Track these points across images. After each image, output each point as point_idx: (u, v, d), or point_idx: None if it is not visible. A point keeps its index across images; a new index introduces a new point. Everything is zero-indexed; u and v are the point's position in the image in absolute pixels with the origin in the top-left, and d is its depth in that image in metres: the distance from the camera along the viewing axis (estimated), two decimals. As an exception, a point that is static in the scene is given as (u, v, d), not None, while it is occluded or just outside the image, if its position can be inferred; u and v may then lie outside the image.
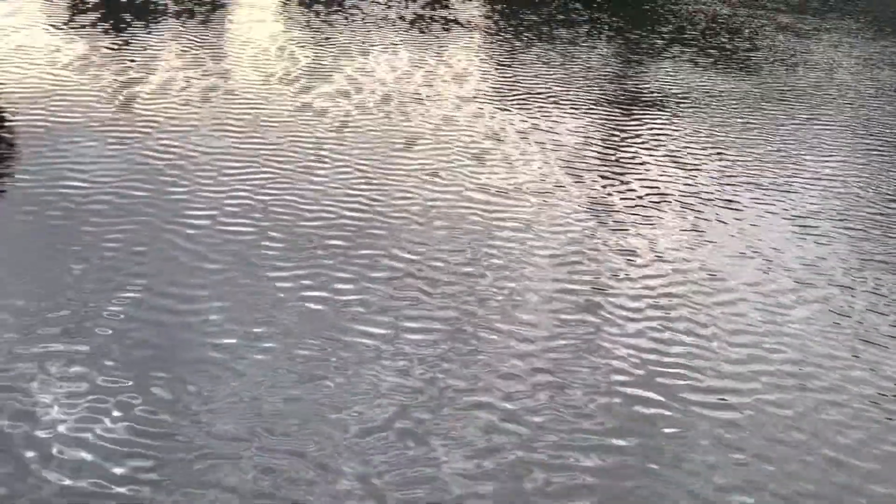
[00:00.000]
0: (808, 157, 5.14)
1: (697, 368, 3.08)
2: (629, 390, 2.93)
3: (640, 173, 4.71)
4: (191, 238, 3.66)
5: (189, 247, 3.59)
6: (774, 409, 2.90)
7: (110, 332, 2.99)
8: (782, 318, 3.44)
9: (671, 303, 3.47)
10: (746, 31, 8.25)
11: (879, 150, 5.36)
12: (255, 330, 3.07)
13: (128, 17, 7.02)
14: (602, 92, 6.05)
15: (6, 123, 4.70)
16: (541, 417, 2.76)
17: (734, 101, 6.08)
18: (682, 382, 2.99)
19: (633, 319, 3.33)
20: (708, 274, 3.72)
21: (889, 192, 4.73)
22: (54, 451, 2.45)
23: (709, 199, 4.45)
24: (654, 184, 4.59)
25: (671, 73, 6.65)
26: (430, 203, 4.16)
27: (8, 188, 3.97)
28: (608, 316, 3.34)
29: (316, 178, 4.32)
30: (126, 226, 3.72)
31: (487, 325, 3.21)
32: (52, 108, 4.95)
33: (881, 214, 4.46)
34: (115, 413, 2.61)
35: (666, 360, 3.11)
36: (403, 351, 3.03)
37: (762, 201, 4.49)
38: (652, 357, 3.11)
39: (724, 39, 7.85)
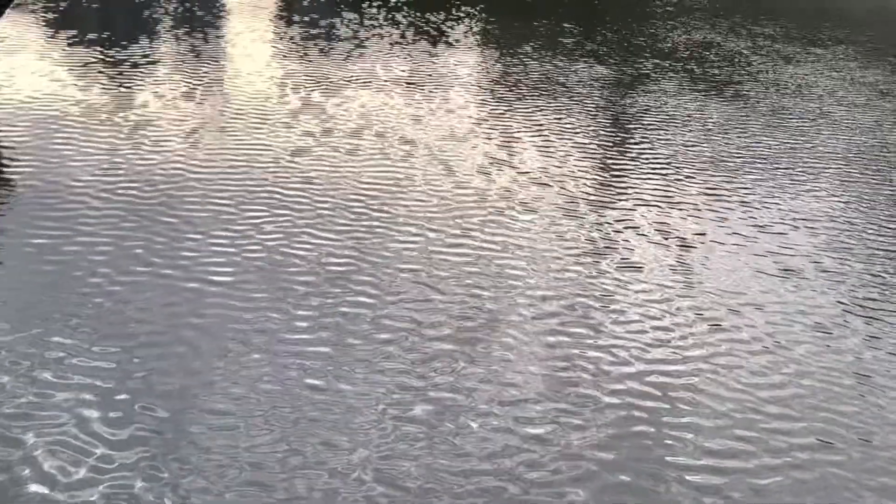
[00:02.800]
0: (799, 190, 5.14)
1: (686, 426, 3.07)
2: (622, 430, 2.92)
3: (628, 210, 4.71)
4: (175, 282, 3.65)
5: (175, 288, 3.58)
6: (772, 478, 2.89)
7: (79, 375, 2.98)
8: (773, 363, 3.43)
9: (661, 348, 3.46)
10: (738, 58, 8.27)
11: (874, 183, 5.36)
12: (234, 382, 3.06)
13: (123, 43, 7.04)
14: (591, 122, 6.06)
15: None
16: (533, 473, 2.75)
17: (725, 130, 6.09)
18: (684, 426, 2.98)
19: (618, 361, 3.33)
20: (696, 315, 3.71)
21: (884, 228, 4.73)
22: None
23: (700, 236, 4.45)
24: (643, 222, 4.59)
25: (662, 101, 6.66)
26: (420, 244, 4.16)
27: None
28: (597, 361, 3.34)
29: (304, 221, 4.32)
30: (109, 266, 3.72)
31: (478, 372, 3.20)
32: (45, 138, 4.96)
33: (875, 253, 4.45)
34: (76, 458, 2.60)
35: (658, 411, 3.10)
36: (399, 386, 3.02)
37: (754, 241, 4.49)
38: (645, 404, 3.10)
39: (715, 67, 7.87)
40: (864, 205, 5.01)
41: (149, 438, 2.72)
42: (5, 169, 4.61)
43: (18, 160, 4.73)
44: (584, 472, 2.73)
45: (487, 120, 5.96)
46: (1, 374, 2.97)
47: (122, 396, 2.91)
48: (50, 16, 7.85)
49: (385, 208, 4.48)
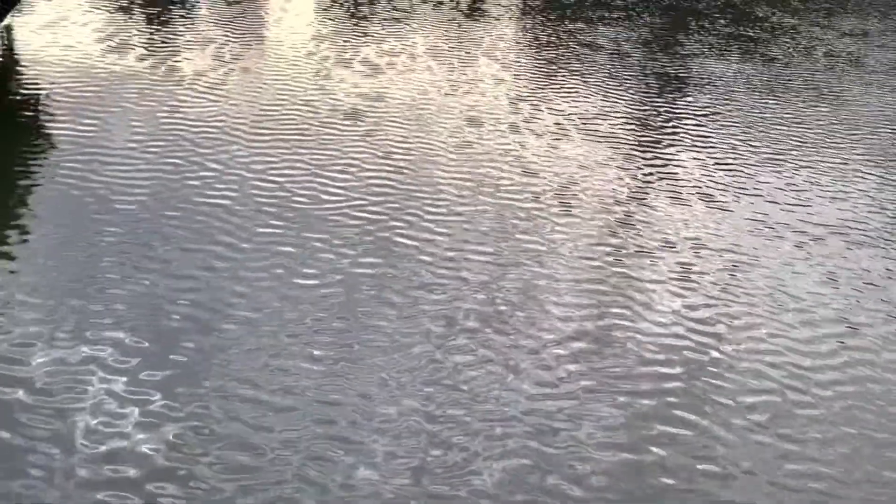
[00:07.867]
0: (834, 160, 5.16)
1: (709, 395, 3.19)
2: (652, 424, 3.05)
3: (664, 193, 4.71)
4: (221, 244, 3.80)
5: (219, 248, 3.73)
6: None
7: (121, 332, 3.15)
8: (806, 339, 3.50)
9: (698, 337, 3.48)
10: (781, 27, 8.23)
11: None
12: (278, 347, 3.17)
13: (167, 15, 7.14)
14: (626, 86, 6.09)
15: (51, 117, 4.86)
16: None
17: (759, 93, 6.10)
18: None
19: (656, 346, 3.41)
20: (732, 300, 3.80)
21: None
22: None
23: (737, 224, 4.44)
24: (683, 204, 4.61)
25: (711, 82, 6.67)
26: (463, 211, 4.27)
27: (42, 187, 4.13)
28: (631, 337, 3.45)
29: (349, 186, 4.40)
30: (150, 227, 3.88)
31: (514, 350, 3.33)
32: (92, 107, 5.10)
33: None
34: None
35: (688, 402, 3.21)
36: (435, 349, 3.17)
37: (789, 227, 4.46)
38: (672, 400, 3.17)
39: (749, 30, 7.84)
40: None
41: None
42: (60, 126, 4.76)
43: (70, 118, 4.88)
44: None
45: (520, 85, 6.01)
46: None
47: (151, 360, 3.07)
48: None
49: (421, 178, 4.57)
